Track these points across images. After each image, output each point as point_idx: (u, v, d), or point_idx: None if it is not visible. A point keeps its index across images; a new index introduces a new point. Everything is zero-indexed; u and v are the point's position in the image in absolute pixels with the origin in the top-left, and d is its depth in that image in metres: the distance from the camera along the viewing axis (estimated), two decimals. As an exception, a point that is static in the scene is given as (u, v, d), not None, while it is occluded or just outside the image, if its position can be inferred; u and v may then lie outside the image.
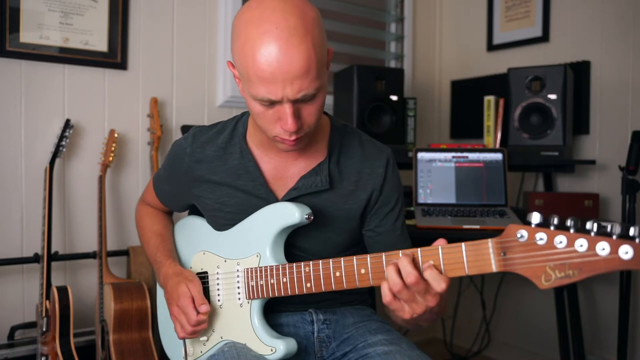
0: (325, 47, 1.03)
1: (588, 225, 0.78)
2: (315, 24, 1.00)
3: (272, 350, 1.10)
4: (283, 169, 1.19)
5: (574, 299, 2.19)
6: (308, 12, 1.00)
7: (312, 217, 1.11)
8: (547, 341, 2.57)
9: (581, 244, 0.78)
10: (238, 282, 1.17)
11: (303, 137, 1.07)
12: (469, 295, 2.87)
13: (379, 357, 1.15)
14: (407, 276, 0.91)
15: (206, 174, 1.21)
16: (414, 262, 0.93)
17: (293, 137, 1.04)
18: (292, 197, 1.16)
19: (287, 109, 1.00)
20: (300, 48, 0.96)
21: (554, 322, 2.37)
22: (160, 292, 1.37)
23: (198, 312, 1.13)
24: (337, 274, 1.02)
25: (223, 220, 1.22)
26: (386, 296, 0.94)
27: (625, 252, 0.74)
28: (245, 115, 1.24)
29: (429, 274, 0.91)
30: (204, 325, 1.15)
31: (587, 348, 2.35)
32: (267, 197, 1.17)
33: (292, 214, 1.10)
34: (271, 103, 1.00)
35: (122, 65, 2.13)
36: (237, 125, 1.23)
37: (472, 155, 2.11)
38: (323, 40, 1.02)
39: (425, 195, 2.10)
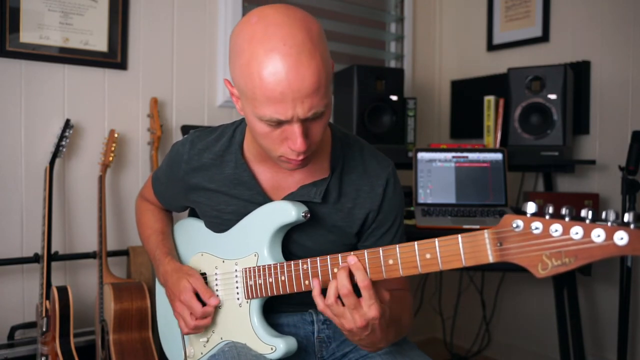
0: (330, 61, 0.99)
1: (583, 213, 0.78)
2: (321, 38, 0.96)
3: (272, 349, 1.10)
4: (281, 179, 1.17)
5: (574, 299, 2.19)
6: (312, 26, 0.95)
7: (308, 215, 1.10)
8: (547, 341, 2.57)
9: (576, 232, 0.78)
10: (236, 282, 1.17)
11: (309, 156, 1.03)
12: (469, 295, 2.87)
13: (379, 357, 1.15)
14: (341, 288, 0.96)
15: (202, 181, 1.19)
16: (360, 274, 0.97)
17: (301, 157, 1.00)
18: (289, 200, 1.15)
19: (296, 128, 0.95)
20: (311, 65, 0.91)
21: (554, 322, 2.37)
22: (159, 293, 1.37)
23: (203, 305, 1.14)
24: (335, 270, 1.01)
25: (221, 226, 1.21)
26: (329, 297, 0.98)
27: (621, 237, 0.75)
28: (243, 123, 1.20)
29: (364, 295, 0.96)
30: (209, 319, 1.15)
31: (587, 348, 2.35)
32: (264, 203, 1.16)
33: (288, 212, 1.09)
34: (279, 123, 0.96)
35: (122, 65, 2.13)
36: (235, 132, 1.19)
37: (472, 155, 2.11)
38: (329, 54, 0.98)
39: (425, 195, 2.10)
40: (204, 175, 1.19)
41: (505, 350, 2.78)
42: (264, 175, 1.17)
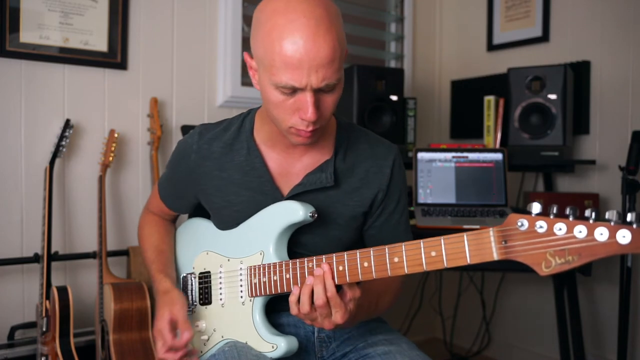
0: (345, 42, 1.05)
1: (587, 213, 0.80)
2: (338, 19, 1.04)
3: (273, 347, 1.11)
4: (289, 165, 1.19)
5: (574, 299, 2.19)
6: (331, 6, 1.03)
7: (316, 215, 1.12)
8: (547, 341, 2.57)
9: (580, 230, 0.80)
10: (241, 280, 1.17)
11: (318, 129, 1.07)
12: (469, 295, 2.87)
13: (379, 357, 1.15)
14: (317, 299, 1.02)
15: (213, 170, 1.21)
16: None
17: (310, 128, 1.04)
18: (297, 192, 1.16)
19: (308, 97, 1.01)
20: (327, 37, 0.98)
21: (554, 322, 2.37)
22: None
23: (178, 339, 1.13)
24: (340, 268, 1.03)
25: (229, 218, 1.22)
26: (304, 306, 1.04)
27: (623, 236, 0.77)
28: (251, 112, 1.24)
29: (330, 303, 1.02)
30: (178, 355, 1.12)
31: (587, 348, 2.35)
32: (272, 193, 1.18)
33: (296, 211, 1.11)
34: (293, 91, 1.01)
35: (122, 65, 2.13)
36: (244, 122, 1.23)
37: (472, 155, 2.11)
38: (344, 35, 1.05)
39: (425, 195, 2.10)
40: (215, 163, 1.21)
41: (505, 350, 2.78)
42: (273, 161, 1.19)
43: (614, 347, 2.01)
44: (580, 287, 2.35)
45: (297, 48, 0.97)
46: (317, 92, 1.02)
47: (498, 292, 2.75)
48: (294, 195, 1.17)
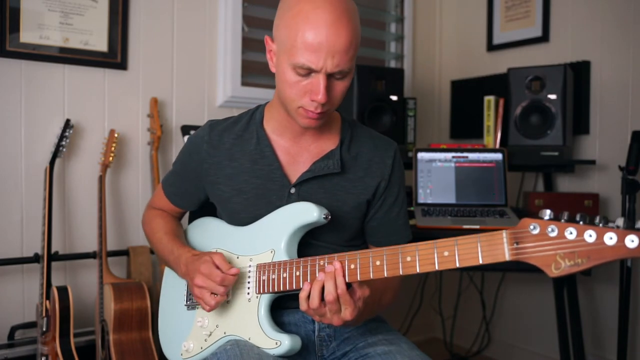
0: (359, 38, 1.12)
1: (597, 220, 0.84)
2: (357, 16, 1.12)
3: (277, 343, 1.12)
4: (297, 154, 1.24)
5: (574, 299, 2.19)
6: (351, 5, 1.12)
7: (329, 217, 1.14)
8: (547, 341, 2.57)
9: (590, 234, 0.83)
10: (249, 277, 1.18)
11: (325, 113, 1.13)
12: (469, 295, 2.87)
13: (379, 357, 1.16)
14: (327, 294, 1.03)
15: (223, 160, 1.25)
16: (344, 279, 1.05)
17: (318, 110, 1.11)
18: (305, 179, 1.20)
19: (321, 80, 1.08)
20: (348, 27, 1.07)
21: (554, 322, 2.37)
22: (163, 292, 1.38)
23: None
24: (352, 266, 1.05)
25: (238, 207, 1.24)
26: (314, 301, 1.05)
27: (632, 240, 0.80)
28: (260, 107, 1.30)
29: (340, 300, 1.04)
30: (230, 285, 1.13)
31: (587, 348, 2.35)
32: (281, 180, 1.21)
33: (310, 212, 1.14)
34: (308, 73, 1.08)
35: (122, 65, 2.13)
36: (254, 114, 1.29)
37: (472, 155, 2.11)
38: (360, 32, 1.13)
39: (425, 195, 2.10)
40: (225, 154, 1.25)
41: (505, 350, 2.78)
42: (281, 150, 1.24)
43: (614, 347, 2.01)
44: (580, 287, 2.34)
45: (319, 33, 1.05)
46: (330, 77, 1.09)
47: (498, 292, 2.75)
48: (302, 182, 1.20)
